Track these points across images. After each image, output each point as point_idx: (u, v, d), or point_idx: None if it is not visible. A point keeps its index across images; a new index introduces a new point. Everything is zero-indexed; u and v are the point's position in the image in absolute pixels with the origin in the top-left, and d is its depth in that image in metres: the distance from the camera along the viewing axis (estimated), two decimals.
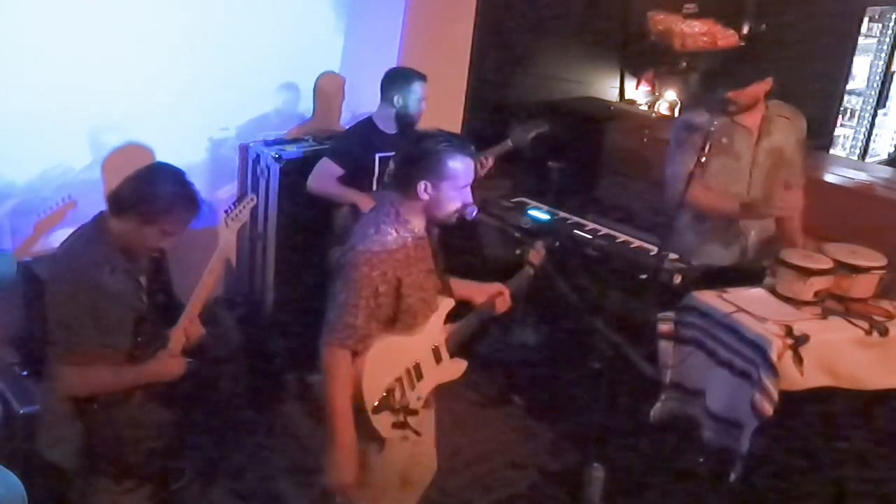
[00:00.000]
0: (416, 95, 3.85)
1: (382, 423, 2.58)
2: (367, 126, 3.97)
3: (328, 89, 4.43)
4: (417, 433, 2.66)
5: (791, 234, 3.60)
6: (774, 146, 3.54)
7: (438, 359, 2.72)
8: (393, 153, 3.84)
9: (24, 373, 3.39)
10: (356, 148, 3.90)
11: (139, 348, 2.50)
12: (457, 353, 2.76)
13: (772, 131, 3.53)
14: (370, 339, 2.50)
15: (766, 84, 3.43)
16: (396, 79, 3.89)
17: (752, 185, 3.54)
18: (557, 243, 2.78)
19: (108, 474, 2.53)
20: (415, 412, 2.65)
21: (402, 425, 2.62)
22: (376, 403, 2.55)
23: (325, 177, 3.88)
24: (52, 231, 3.29)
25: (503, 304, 2.84)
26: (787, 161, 3.58)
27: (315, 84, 4.40)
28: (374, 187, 3.92)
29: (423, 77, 3.89)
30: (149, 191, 2.43)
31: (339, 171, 3.87)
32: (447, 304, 2.73)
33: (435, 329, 2.70)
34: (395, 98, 3.86)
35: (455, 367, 2.80)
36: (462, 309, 2.82)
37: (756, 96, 3.45)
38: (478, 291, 2.84)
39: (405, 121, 3.88)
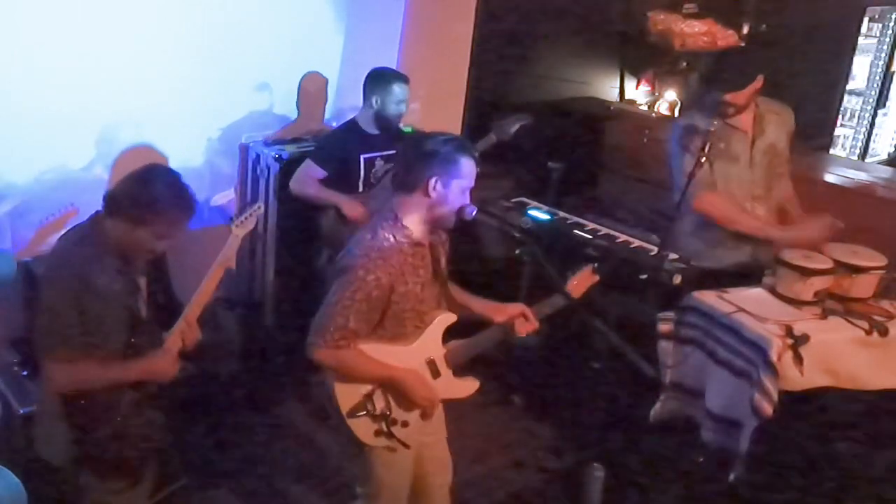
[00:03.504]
0: (394, 97, 3.82)
1: (361, 428, 2.54)
2: (351, 128, 3.97)
3: (312, 90, 4.41)
4: (406, 445, 2.59)
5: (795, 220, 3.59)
6: (769, 143, 3.54)
7: (435, 373, 2.63)
8: (378, 154, 3.86)
9: (24, 373, 3.39)
10: (340, 150, 3.89)
11: (134, 349, 2.48)
12: (465, 370, 2.66)
13: (765, 129, 3.53)
14: (357, 340, 2.46)
15: (758, 82, 3.42)
16: (376, 80, 3.87)
17: (754, 185, 3.54)
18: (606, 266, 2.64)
19: (99, 474, 2.52)
20: (404, 423, 2.58)
21: (387, 435, 2.55)
22: (351, 407, 2.51)
23: (305, 179, 3.87)
24: (53, 237, 3.29)
25: (523, 326, 2.66)
26: (779, 155, 3.59)
27: (299, 85, 4.38)
28: (361, 188, 3.92)
29: (403, 78, 3.87)
30: (142, 193, 2.40)
31: (320, 173, 3.86)
32: (446, 318, 2.63)
33: (430, 342, 2.61)
34: (375, 99, 3.85)
35: (462, 386, 2.70)
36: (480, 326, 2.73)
37: (751, 96, 3.45)
38: (496, 310, 2.71)
39: (383, 122, 3.87)
